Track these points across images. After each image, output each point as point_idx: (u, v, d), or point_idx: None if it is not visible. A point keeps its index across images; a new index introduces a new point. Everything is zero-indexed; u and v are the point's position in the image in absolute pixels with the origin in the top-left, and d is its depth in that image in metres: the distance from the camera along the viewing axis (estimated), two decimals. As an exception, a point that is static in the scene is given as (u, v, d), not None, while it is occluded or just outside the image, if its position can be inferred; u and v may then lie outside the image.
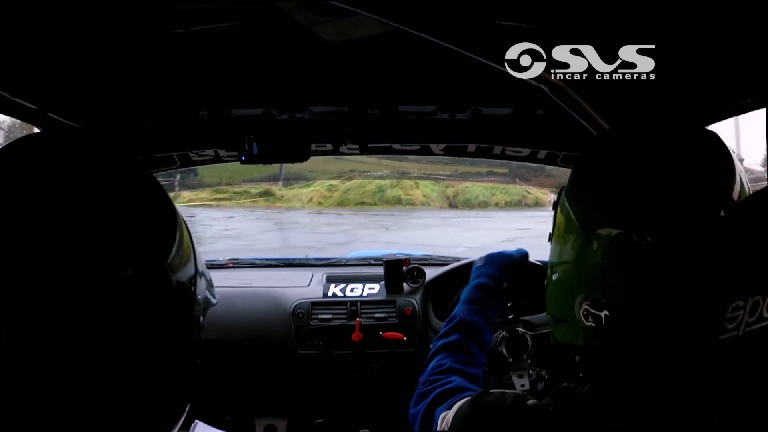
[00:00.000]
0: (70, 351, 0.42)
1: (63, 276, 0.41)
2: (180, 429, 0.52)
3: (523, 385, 1.43)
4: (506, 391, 0.65)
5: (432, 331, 1.67)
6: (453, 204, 12.76)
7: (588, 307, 0.59)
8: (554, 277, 0.68)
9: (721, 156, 0.58)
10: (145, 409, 0.49)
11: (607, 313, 0.57)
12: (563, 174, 1.62)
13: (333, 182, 12.07)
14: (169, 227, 0.49)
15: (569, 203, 0.64)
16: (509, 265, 0.97)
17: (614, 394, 0.55)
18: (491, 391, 0.66)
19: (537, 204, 11.41)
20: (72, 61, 0.96)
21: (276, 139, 1.31)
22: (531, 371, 1.46)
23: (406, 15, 0.78)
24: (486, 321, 0.88)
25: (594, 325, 0.59)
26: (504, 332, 1.47)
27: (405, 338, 1.63)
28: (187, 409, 0.54)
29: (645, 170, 0.58)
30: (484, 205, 12.56)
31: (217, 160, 1.53)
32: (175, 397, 0.52)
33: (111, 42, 0.94)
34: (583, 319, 0.60)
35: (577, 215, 0.63)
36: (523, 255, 1.00)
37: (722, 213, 0.52)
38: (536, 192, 11.86)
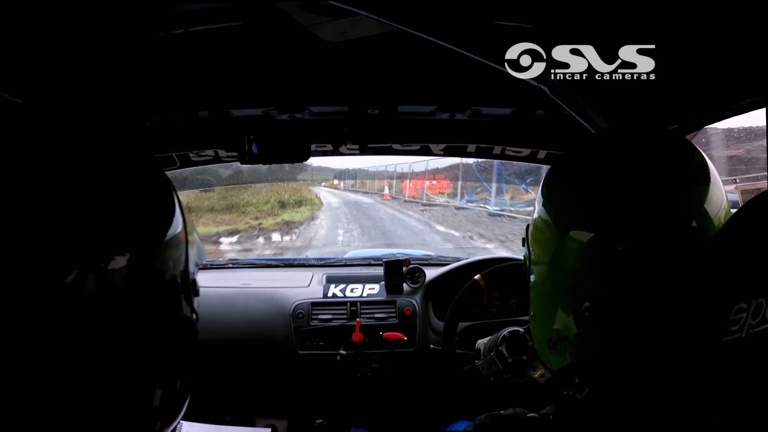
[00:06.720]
0: (61, 341, 0.41)
1: (53, 259, 0.40)
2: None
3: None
4: (500, 412, 0.65)
5: (432, 331, 1.67)
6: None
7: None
8: (537, 293, 0.66)
9: (695, 163, 0.59)
10: (143, 400, 0.48)
11: (588, 305, 0.57)
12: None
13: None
14: (165, 208, 0.49)
15: (545, 206, 0.64)
16: None
17: (614, 398, 0.55)
18: (488, 414, 0.65)
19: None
20: (71, 61, 0.96)
21: (276, 139, 1.31)
22: (531, 371, 1.46)
23: (406, 15, 0.78)
24: None
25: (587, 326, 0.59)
26: (504, 332, 1.47)
27: (405, 338, 1.63)
28: (186, 402, 0.53)
29: (621, 176, 0.59)
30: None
31: (216, 160, 1.53)
32: (175, 387, 0.52)
33: (111, 42, 0.94)
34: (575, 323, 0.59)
35: (551, 219, 0.62)
36: None
37: (693, 224, 0.54)
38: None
